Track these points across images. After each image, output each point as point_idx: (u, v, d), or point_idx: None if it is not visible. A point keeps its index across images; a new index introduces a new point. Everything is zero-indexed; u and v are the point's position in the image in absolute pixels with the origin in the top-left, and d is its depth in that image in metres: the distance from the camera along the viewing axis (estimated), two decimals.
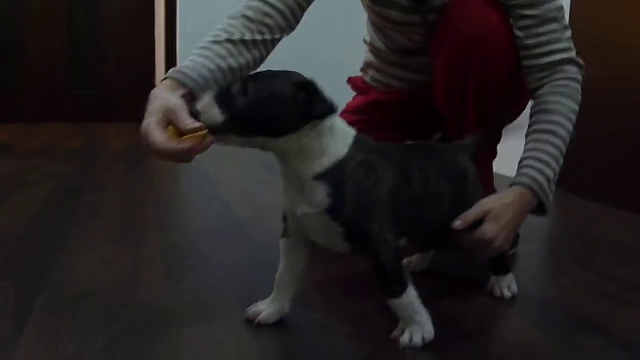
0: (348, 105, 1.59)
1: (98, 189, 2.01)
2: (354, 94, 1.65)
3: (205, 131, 0.87)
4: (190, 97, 1.00)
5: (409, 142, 1.05)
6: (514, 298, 1.15)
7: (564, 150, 1.17)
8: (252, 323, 1.00)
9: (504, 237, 1.07)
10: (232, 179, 2.29)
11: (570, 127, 1.17)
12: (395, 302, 0.93)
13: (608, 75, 2.08)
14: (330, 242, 0.96)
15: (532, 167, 1.13)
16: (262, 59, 1.18)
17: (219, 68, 1.09)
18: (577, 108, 1.19)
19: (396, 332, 0.96)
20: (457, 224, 1.05)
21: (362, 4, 1.41)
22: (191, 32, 3.46)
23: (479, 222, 1.06)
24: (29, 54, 3.86)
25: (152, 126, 0.91)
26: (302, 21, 1.24)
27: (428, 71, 1.39)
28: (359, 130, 0.95)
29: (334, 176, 0.89)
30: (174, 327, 0.98)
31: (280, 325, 1.00)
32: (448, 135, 1.24)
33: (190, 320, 1.01)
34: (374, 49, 1.54)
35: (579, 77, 1.22)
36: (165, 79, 1.04)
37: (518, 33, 1.23)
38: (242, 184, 2.19)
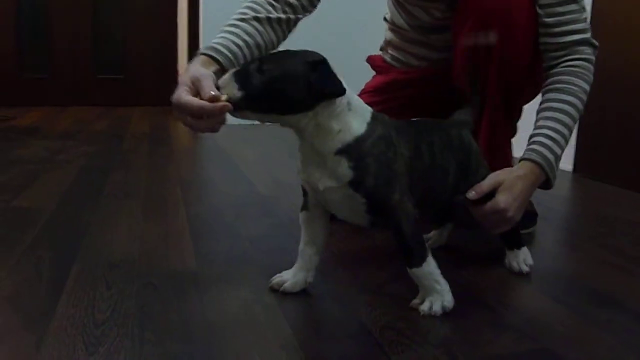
0: (367, 85, 1.62)
1: (124, 168, 2.07)
2: (373, 73, 1.68)
3: (224, 103, 0.91)
4: (222, 73, 1.05)
5: (414, 119, 1.09)
6: (530, 271, 1.18)
7: (573, 128, 1.21)
8: (276, 292, 1.04)
9: (516, 207, 1.11)
10: (255, 160, 2.33)
11: (581, 107, 1.21)
12: (415, 271, 0.97)
13: (625, 58, 2.08)
14: (351, 215, 0.99)
15: (542, 144, 1.17)
16: (285, 37, 1.23)
17: (247, 44, 1.14)
18: (588, 88, 1.23)
19: (416, 301, 0.99)
20: (472, 194, 1.08)
21: None
22: (214, 17, 3.48)
23: (491, 195, 1.09)
24: (55, 40, 3.93)
25: (181, 91, 0.97)
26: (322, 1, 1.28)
27: (448, 49, 1.41)
28: (379, 111, 0.99)
29: (356, 150, 0.92)
30: (202, 291, 1.03)
31: (302, 292, 1.05)
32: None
33: (218, 285, 1.06)
34: (394, 27, 1.56)
35: (593, 58, 1.25)
36: (198, 54, 1.09)
37: (539, 10, 1.25)
38: (264, 165, 2.23)
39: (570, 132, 1.20)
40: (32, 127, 2.99)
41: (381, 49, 1.66)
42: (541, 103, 1.23)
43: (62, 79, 3.98)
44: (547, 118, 1.20)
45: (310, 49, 0.93)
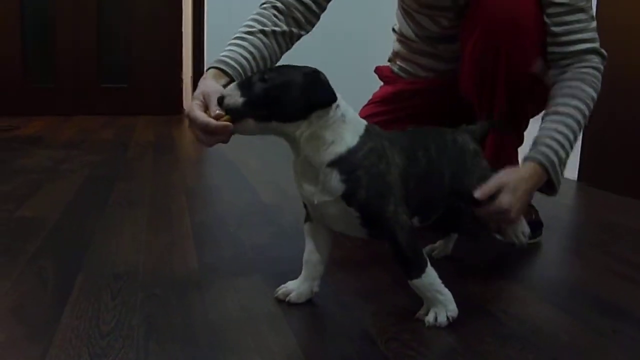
0: (374, 95, 1.62)
1: (128, 177, 2.07)
2: (381, 83, 1.68)
3: (226, 123, 0.96)
4: None
5: (410, 129, 1.10)
6: (534, 281, 1.18)
7: (579, 133, 1.21)
8: (282, 302, 1.04)
9: (518, 208, 1.12)
10: (259, 169, 2.34)
11: (587, 113, 1.22)
12: (416, 283, 0.96)
13: (630, 67, 2.08)
14: (348, 229, 1.00)
15: (548, 146, 1.17)
16: (287, 49, 1.26)
17: (254, 57, 1.17)
18: (595, 96, 1.23)
19: (421, 312, 0.99)
20: (477, 194, 1.09)
21: None
22: (218, 26, 3.50)
23: (495, 195, 1.10)
24: (60, 49, 3.95)
25: (193, 106, 1.02)
26: (331, 12, 1.30)
27: (455, 60, 1.42)
28: (385, 121, 1.00)
29: (347, 163, 0.93)
30: (206, 300, 1.03)
31: (307, 302, 1.05)
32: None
33: (222, 294, 1.06)
34: (402, 38, 1.57)
35: (601, 67, 1.25)
36: (210, 68, 1.14)
37: (546, 19, 1.26)
38: (268, 175, 2.23)
39: (576, 136, 1.20)
40: (36, 137, 3.00)
41: (389, 60, 1.67)
42: (547, 107, 1.23)
43: (66, 88, 3.99)
44: (554, 121, 1.20)
45: (319, 60, 0.95)
